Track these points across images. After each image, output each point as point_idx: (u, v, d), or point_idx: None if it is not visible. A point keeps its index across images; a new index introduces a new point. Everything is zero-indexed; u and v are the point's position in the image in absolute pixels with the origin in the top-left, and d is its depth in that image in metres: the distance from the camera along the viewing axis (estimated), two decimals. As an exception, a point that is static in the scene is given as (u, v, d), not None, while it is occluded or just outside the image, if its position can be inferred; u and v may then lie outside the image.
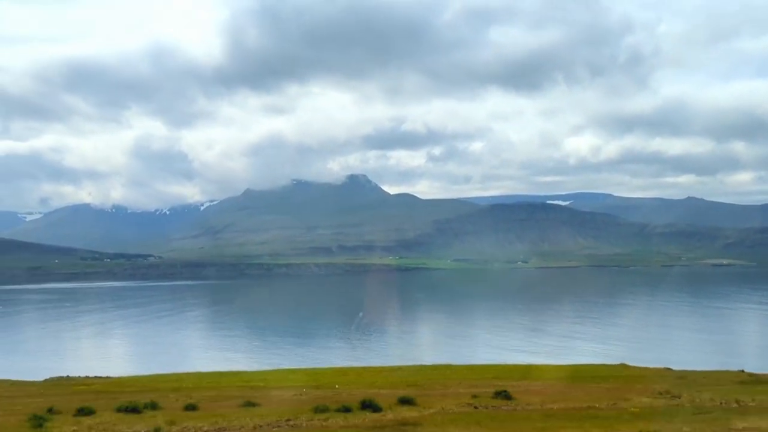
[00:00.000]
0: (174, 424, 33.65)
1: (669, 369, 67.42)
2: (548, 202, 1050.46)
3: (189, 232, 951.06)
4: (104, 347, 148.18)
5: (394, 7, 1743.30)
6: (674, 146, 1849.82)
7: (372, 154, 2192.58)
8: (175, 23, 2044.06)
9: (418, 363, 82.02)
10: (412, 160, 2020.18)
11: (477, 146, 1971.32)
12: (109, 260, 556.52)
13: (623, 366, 70.73)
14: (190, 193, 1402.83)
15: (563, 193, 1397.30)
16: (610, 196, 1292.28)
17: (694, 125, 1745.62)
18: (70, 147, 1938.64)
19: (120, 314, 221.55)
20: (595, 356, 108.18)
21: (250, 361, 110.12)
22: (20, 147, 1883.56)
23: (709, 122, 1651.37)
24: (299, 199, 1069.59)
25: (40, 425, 33.95)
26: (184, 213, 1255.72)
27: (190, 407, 39.86)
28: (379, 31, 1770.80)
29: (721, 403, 39.08)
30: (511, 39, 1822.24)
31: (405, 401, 39.99)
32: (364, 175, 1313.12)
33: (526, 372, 64.20)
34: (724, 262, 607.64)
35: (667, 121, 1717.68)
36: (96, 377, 72.27)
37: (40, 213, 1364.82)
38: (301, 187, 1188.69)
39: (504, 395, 41.53)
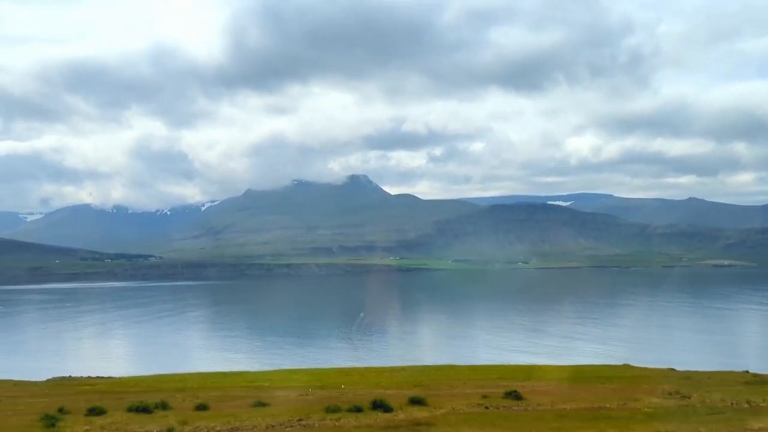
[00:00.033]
0: (186, 423, 33.68)
1: (673, 369, 67.21)
2: (549, 202, 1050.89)
3: (190, 233, 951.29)
4: (105, 347, 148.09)
5: (395, 7, 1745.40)
6: (675, 147, 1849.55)
7: (373, 154, 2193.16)
8: (176, 23, 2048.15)
9: (421, 363, 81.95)
10: (412, 160, 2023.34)
11: (477, 147, 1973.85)
12: (109, 260, 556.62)
13: (627, 366, 70.59)
14: (191, 193, 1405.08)
15: (564, 193, 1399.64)
16: (610, 196, 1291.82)
17: (695, 126, 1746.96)
18: (70, 147, 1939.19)
19: (121, 314, 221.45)
20: (597, 357, 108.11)
21: (252, 362, 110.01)
22: (21, 147, 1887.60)
23: (709, 123, 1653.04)
24: (300, 199, 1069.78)
25: (53, 425, 34.03)
26: (184, 213, 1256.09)
27: (201, 407, 39.89)
28: (380, 32, 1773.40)
29: (732, 404, 39.06)
30: (511, 39, 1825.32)
31: (416, 401, 39.99)
32: (365, 176, 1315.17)
33: (530, 372, 64.05)
34: (725, 262, 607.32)
35: (668, 121, 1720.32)
36: (98, 377, 72.23)
37: (40, 213, 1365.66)
38: (301, 187, 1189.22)
39: (514, 395, 41.50)
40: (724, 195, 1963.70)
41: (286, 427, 33.07)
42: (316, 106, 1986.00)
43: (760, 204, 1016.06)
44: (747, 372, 62.87)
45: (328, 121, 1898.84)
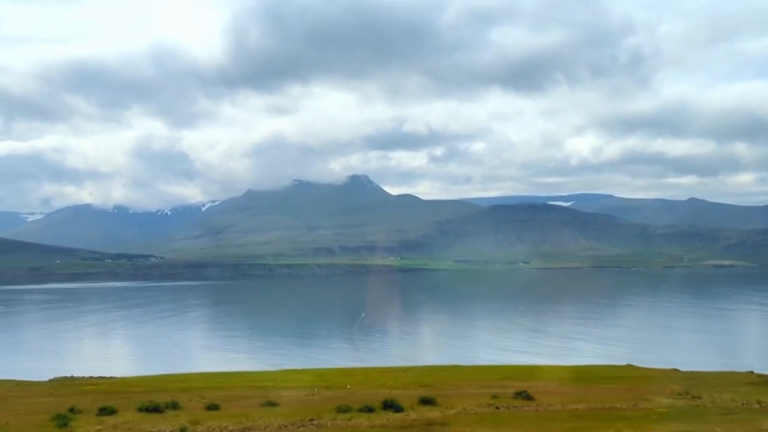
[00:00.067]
0: (198, 423, 33.72)
1: (676, 370, 67.10)
2: (549, 202, 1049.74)
3: (190, 233, 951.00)
4: (106, 348, 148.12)
5: (395, 7, 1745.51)
6: (676, 147, 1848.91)
7: (373, 154, 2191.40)
8: (177, 23, 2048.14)
9: (424, 364, 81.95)
10: (413, 160, 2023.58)
11: (478, 147, 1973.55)
12: (110, 261, 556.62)
13: (630, 367, 70.51)
14: (192, 193, 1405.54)
15: (564, 194, 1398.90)
16: (611, 197, 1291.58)
17: (696, 126, 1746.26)
18: (71, 147, 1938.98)
19: (122, 315, 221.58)
20: (599, 357, 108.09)
21: (254, 362, 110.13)
22: (22, 147, 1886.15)
23: (710, 123, 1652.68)
24: (301, 199, 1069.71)
25: (65, 424, 34.08)
26: (185, 213, 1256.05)
27: (212, 407, 39.94)
28: (381, 32, 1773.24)
29: (742, 404, 39.06)
30: (512, 39, 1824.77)
31: (426, 401, 39.99)
32: (366, 176, 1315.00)
33: (534, 373, 64.01)
34: (726, 263, 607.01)
35: (669, 121, 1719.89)
36: (100, 377, 72.29)
37: (41, 213, 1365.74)
38: (302, 187, 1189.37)
39: (524, 396, 41.49)
40: (724, 195, 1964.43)
41: (299, 427, 33.05)
42: (317, 106, 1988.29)
43: (760, 204, 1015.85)
44: (752, 372, 62.79)
45: (329, 121, 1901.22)
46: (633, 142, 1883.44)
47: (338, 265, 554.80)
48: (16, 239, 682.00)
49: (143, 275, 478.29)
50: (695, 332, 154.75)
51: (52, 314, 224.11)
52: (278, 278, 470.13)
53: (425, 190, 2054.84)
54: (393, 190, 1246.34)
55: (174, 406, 39.77)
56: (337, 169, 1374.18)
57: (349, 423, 34.32)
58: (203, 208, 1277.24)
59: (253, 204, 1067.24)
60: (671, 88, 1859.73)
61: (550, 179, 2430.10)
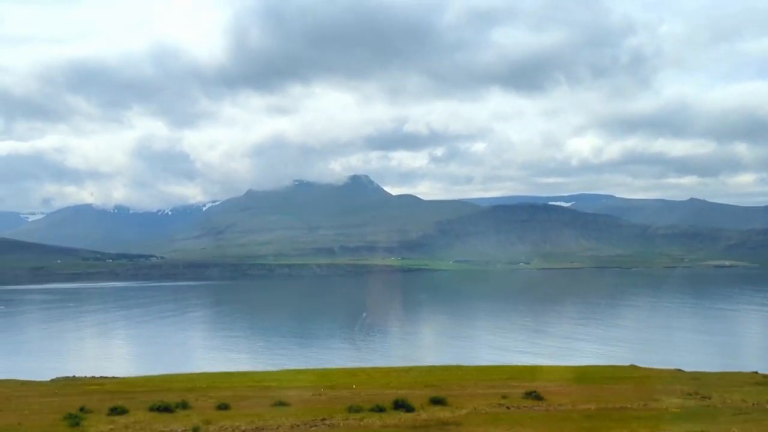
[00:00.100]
0: (210, 423, 33.70)
1: (680, 370, 66.93)
2: (550, 203, 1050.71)
3: (191, 233, 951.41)
4: (108, 348, 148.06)
5: (396, 8, 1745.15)
6: (676, 147, 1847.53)
7: (374, 154, 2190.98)
8: (178, 23, 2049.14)
9: (427, 364, 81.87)
10: (413, 160, 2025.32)
11: (479, 147, 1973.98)
12: (111, 261, 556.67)
13: (633, 367, 70.25)
14: (192, 193, 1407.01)
15: (565, 194, 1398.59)
16: (612, 197, 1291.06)
17: (697, 126, 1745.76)
18: (72, 147, 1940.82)
19: (123, 315, 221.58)
20: (601, 358, 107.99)
21: (256, 362, 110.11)
22: (22, 147, 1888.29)
23: (711, 123, 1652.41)
24: (301, 199, 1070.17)
25: (77, 424, 34.09)
26: (186, 213, 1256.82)
27: (223, 406, 39.91)
28: (381, 32, 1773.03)
29: (753, 405, 38.94)
30: (512, 40, 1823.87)
31: (436, 401, 39.94)
32: (366, 176, 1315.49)
33: (537, 373, 63.78)
34: (727, 263, 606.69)
35: (669, 122, 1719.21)
36: (102, 377, 72.28)
37: (42, 213, 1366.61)
38: (303, 187, 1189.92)
39: (534, 396, 41.40)
40: (725, 196, 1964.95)
41: (311, 427, 33.04)
42: (318, 107, 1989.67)
43: (761, 205, 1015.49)
44: (756, 373, 62.57)
45: (330, 121, 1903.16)
46: (633, 143, 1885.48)
47: (339, 265, 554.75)
48: (17, 239, 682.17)
49: (144, 275, 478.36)
50: (696, 333, 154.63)
51: (53, 314, 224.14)
52: (279, 278, 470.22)
53: (426, 191, 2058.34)
54: (393, 191, 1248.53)
55: (184, 405, 39.78)
56: (337, 169, 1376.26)
57: (361, 423, 34.27)
58: (204, 208, 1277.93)
59: (253, 204, 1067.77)
60: (672, 89, 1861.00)
61: (551, 179, 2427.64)
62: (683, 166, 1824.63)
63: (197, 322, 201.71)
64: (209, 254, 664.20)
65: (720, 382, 54.42)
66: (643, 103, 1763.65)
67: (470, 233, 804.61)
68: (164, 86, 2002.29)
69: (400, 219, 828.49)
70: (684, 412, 35.72)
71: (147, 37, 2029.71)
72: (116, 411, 38.08)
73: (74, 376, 74.32)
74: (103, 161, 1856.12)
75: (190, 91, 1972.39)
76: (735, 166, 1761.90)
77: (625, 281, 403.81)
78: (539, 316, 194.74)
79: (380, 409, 37.31)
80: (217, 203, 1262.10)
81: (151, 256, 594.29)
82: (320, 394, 46.56)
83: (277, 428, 32.80)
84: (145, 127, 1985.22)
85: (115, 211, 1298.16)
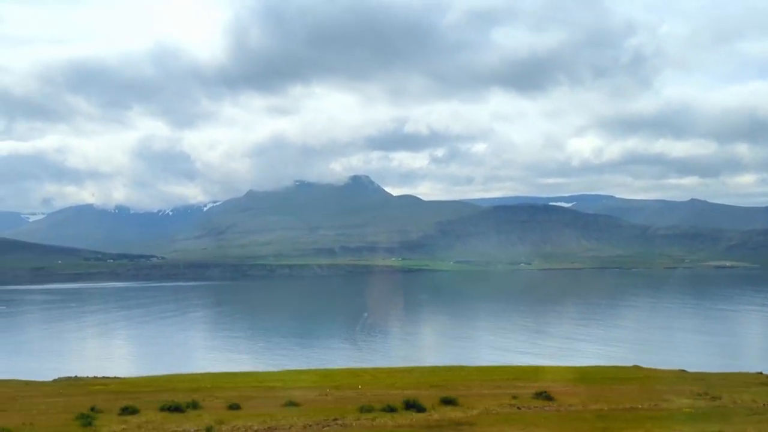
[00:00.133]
0: (223, 423, 33.69)
1: (684, 371, 66.91)
2: (551, 203, 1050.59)
3: (192, 233, 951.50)
4: (109, 348, 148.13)
5: (397, 8, 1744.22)
6: (677, 148, 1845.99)
7: (374, 155, 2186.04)
8: (178, 24, 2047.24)
9: (429, 364, 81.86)
10: (414, 161, 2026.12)
11: (479, 148, 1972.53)
12: (112, 261, 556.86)
13: (636, 368, 70.18)
14: (193, 193, 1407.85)
15: (566, 194, 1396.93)
16: (612, 197, 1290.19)
17: (697, 127, 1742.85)
18: (72, 147, 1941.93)
19: (124, 315, 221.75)
20: (602, 358, 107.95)
21: (257, 362, 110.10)
22: (23, 147, 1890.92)
23: (712, 124, 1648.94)
24: (302, 200, 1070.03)
25: (89, 423, 34.12)
26: (186, 214, 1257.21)
27: (234, 406, 39.91)
28: (382, 33, 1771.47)
29: (765, 405, 38.88)
30: (513, 40, 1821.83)
31: (447, 401, 39.93)
32: (367, 176, 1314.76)
33: (541, 374, 63.60)
34: (727, 264, 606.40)
35: (670, 122, 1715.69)
36: (104, 377, 72.30)
37: (42, 213, 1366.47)
38: (303, 188, 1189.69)
39: (545, 396, 41.39)
40: (726, 196, 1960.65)
41: (324, 427, 33.07)
42: (318, 107, 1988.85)
43: (762, 205, 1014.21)
44: (761, 374, 62.48)
45: (330, 121, 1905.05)
46: (634, 143, 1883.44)
47: (339, 265, 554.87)
48: (18, 239, 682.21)
49: (145, 275, 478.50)
50: (697, 333, 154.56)
51: (54, 314, 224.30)
52: (279, 279, 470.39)
53: (426, 191, 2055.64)
54: (394, 191, 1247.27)
55: (194, 405, 39.83)
56: (338, 169, 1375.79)
57: (373, 423, 34.24)
58: (204, 209, 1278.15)
59: (254, 204, 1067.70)
60: (673, 89, 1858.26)
61: (552, 180, 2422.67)
62: (684, 167, 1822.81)
63: (198, 323, 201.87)
64: (210, 254, 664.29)
65: (725, 382, 54.22)
66: (644, 104, 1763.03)
67: (471, 234, 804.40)
68: (165, 86, 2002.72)
69: (400, 219, 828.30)
70: (697, 412, 35.63)
71: (147, 37, 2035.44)
72: (127, 411, 38.16)
73: (76, 377, 74.30)
74: (103, 161, 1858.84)
75: (190, 92, 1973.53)
76: (736, 166, 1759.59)
77: (626, 282, 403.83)
78: (540, 317, 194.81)
79: (392, 409, 37.31)
80: (217, 203, 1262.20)
81: (152, 256, 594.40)
82: (326, 395, 46.52)
83: (290, 428, 32.79)
84: (145, 128, 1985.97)
85: (116, 211, 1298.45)
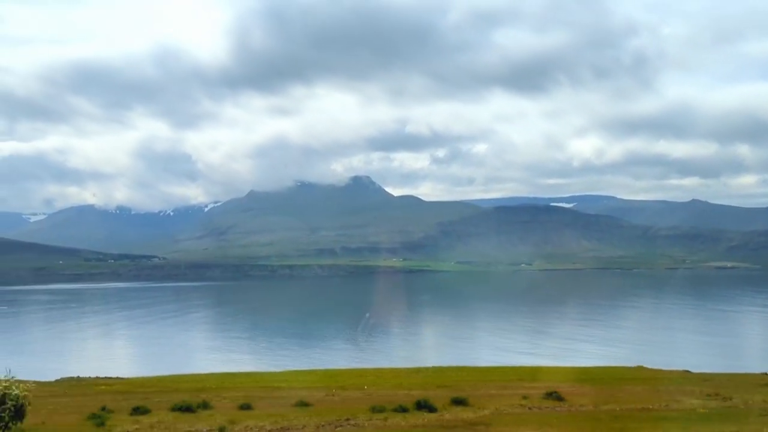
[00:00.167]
0: (235, 423, 33.68)
1: (688, 371, 66.75)
2: (552, 204, 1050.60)
3: (193, 233, 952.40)
4: (110, 348, 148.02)
5: (398, 9, 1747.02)
6: (678, 149, 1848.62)
7: (375, 155, 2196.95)
8: (180, 24, 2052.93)
9: (433, 365, 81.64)
10: (415, 161, 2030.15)
11: (480, 148, 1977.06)
12: (113, 261, 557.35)
13: (641, 368, 70.08)
14: (194, 194, 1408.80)
15: (567, 195, 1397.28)
16: (613, 198, 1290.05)
17: (699, 128, 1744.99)
18: (74, 148, 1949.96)
19: (125, 315, 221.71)
20: (605, 359, 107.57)
21: (259, 363, 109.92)
22: (25, 148, 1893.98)
23: (713, 125, 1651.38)
24: (303, 200, 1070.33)
25: (102, 423, 34.17)
26: (188, 214, 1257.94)
27: (245, 407, 39.89)
28: (384, 33, 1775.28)
29: None
30: (515, 41, 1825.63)
31: (458, 402, 39.90)
32: (368, 177, 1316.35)
33: (547, 374, 63.69)
34: (728, 264, 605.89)
35: (671, 123, 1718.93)
36: (107, 378, 72.32)
37: (44, 214, 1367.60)
38: (304, 188, 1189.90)
39: (555, 396, 41.32)
40: (727, 197, 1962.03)
41: (336, 427, 33.07)
42: (320, 108, 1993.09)
43: (763, 206, 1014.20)
44: (766, 374, 62.46)
45: (332, 122, 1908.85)
46: (635, 144, 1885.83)
47: (340, 266, 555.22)
48: (19, 240, 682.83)
49: (146, 276, 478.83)
50: (699, 334, 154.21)
51: (55, 315, 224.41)
52: (280, 279, 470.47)
53: (427, 192, 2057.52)
54: (395, 192, 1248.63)
55: (205, 405, 39.85)
56: (339, 170, 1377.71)
57: (386, 423, 34.21)
58: (206, 209, 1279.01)
59: (255, 205, 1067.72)
60: (674, 90, 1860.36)
61: (553, 181, 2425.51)
62: (685, 168, 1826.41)
63: (200, 323, 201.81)
64: (211, 255, 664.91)
65: (730, 383, 53.89)
66: (645, 105, 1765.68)
67: (472, 234, 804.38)
68: (166, 87, 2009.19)
69: (401, 220, 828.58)
70: (711, 412, 35.53)
71: (149, 37, 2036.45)
72: (138, 411, 38.21)
73: (79, 377, 74.26)
74: (105, 162, 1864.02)
75: (192, 92, 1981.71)
76: (737, 167, 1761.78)
77: (627, 282, 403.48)
78: (542, 318, 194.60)
79: (403, 410, 37.30)
80: (218, 204, 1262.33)
81: (153, 256, 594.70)
82: (333, 395, 46.39)
83: (303, 428, 32.84)
84: (147, 128, 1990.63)
85: (117, 211, 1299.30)
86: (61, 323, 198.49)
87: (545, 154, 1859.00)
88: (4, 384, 28.77)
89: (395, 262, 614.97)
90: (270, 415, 36.40)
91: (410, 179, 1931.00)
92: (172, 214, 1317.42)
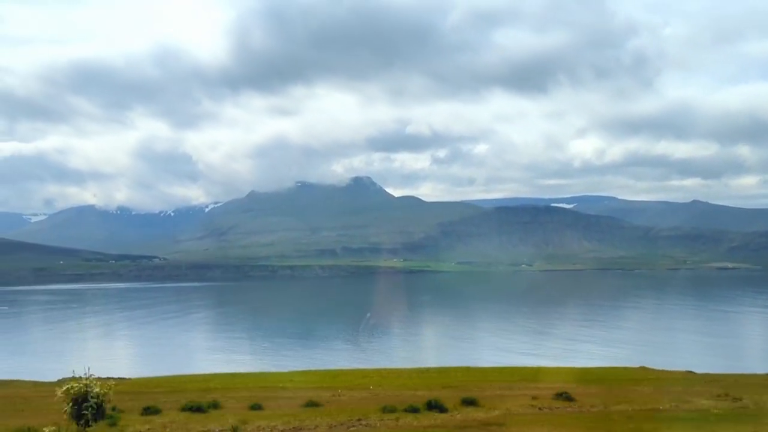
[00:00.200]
0: (247, 423, 33.61)
1: (691, 372, 66.68)
2: (552, 204, 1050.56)
3: (193, 234, 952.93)
4: (111, 349, 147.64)
5: (398, 9, 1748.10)
6: (679, 149, 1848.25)
7: (376, 156, 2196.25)
8: (180, 24, 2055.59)
9: (435, 365, 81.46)
10: (416, 162, 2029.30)
11: (481, 149, 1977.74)
12: (113, 261, 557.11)
13: (644, 369, 69.86)
14: (195, 194, 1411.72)
15: (567, 195, 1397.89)
16: (614, 199, 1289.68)
17: (699, 128, 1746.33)
18: (74, 148, 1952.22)
19: (126, 315, 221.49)
20: (607, 359, 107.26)
21: (261, 363, 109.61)
22: (25, 148, 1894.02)
23: (714, 125, 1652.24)
24: (304, 201, 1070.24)
25: (114, 423, 34.26)
26: (188, 214, 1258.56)
27: (256, 407, 39.82)
28: (384, 33, 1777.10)
29: None
30: (515, 41, 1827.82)
31: (468, 402, 39.82)
32: (369, 177, 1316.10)
33: (551, 374, 63.22)
34: (729, 265, 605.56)
35: (672, 123, 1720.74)
36: (108, 378, 72.02)
37: (44, 214, 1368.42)
38: (305, 189, 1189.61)
39: (565, 397, 41.24)
40: (728, 198, 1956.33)
41: (348, 427, 33.01)
42: (320, 108, 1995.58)
43: (763, 207, 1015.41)
44: (770, 375, 62.48)
45: (332, 122, 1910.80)
46: (636, 144, 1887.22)
47: (341, 266, 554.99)
48: (20, 240, 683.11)
49: (146, 276, 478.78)
50: (700, 334, 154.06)
51: (56, 315, 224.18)
52: (281, 280, 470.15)
53: (428, 192, 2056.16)
54: (396, 192, 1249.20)
55: (215, 406, 39.80)
56: (339, 170, 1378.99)
57: (398, 423, 34.17)
58: (206, 210, 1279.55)
59: (256, 205, 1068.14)
60: (674, 90, 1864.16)
61: (553, 181, 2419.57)
62: (686, 168, 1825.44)
63: (201, 324, 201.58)
64: (212, 255, 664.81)
65: (735, 384, 53.97)
66: (646, 105, 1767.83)
67: (472, 235, 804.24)
68: (166, 87, 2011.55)
69: (402, 220, 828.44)
70: (725, 413, 35.41)
71: (149, 38, 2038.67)
72: (149, 411, 38.14)
73: (80, 378, 73.99)
74: (105, 162, 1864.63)
75: (192, 92, 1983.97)
76: (738, 168, 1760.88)
77: (628, 283, 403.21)
78: (543, 318, 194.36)
79: (414, 410, 37.24)
80: (219, 204, 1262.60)
81: (154, 257, 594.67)
82: (340, 395, 46.30)
83: (315, 428, 32.83)
84: (147, 128, 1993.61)
85: (118, 212, 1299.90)
86: (62, 323, 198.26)
87: (546, 154, 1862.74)
88: (84, 382, 29.10)
89: (396, 262, 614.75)
90: (281, 415, 36.33)
91: (411, 180, 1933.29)
92: (172, 214, 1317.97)
